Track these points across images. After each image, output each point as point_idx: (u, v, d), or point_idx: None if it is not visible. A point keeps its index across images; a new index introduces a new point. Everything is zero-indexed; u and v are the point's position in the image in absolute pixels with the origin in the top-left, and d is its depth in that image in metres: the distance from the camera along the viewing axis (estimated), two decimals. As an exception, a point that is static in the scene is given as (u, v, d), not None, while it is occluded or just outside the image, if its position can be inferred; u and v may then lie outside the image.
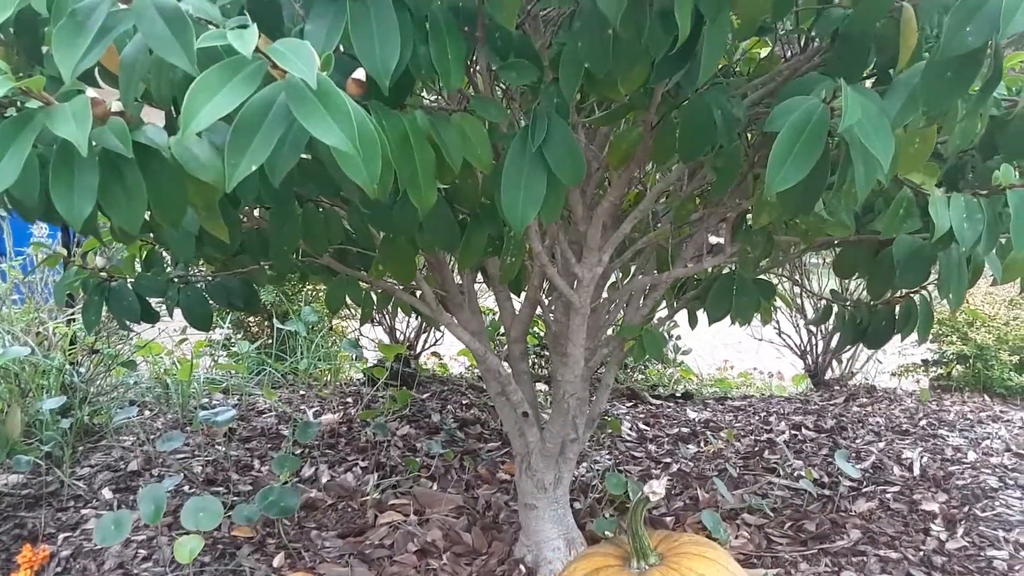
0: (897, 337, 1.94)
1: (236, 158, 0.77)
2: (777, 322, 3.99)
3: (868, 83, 1.43)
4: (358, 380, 3.72)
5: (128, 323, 1.85)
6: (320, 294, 3.89)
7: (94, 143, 0.88)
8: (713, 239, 1.88)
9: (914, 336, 1.91)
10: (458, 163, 1.07)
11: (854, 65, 1.21)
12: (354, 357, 3.53)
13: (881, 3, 1.10)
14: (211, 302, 1.85)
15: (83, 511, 2.18)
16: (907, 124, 1.06)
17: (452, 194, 1.36)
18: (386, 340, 3.75)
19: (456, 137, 1.06)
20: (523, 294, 1.96)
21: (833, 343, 4.03)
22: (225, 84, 0.74)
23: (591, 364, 1.92)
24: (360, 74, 0.88)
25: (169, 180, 0.95)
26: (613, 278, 2.11)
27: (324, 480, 2.40)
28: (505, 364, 2.00)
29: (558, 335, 1.91)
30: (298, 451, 2.61)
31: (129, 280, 1.80)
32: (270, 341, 3.72)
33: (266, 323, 3.85)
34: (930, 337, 3.30)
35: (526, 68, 1.12)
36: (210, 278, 1.86)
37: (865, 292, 1.87)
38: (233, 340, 3.82)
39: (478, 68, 1.32)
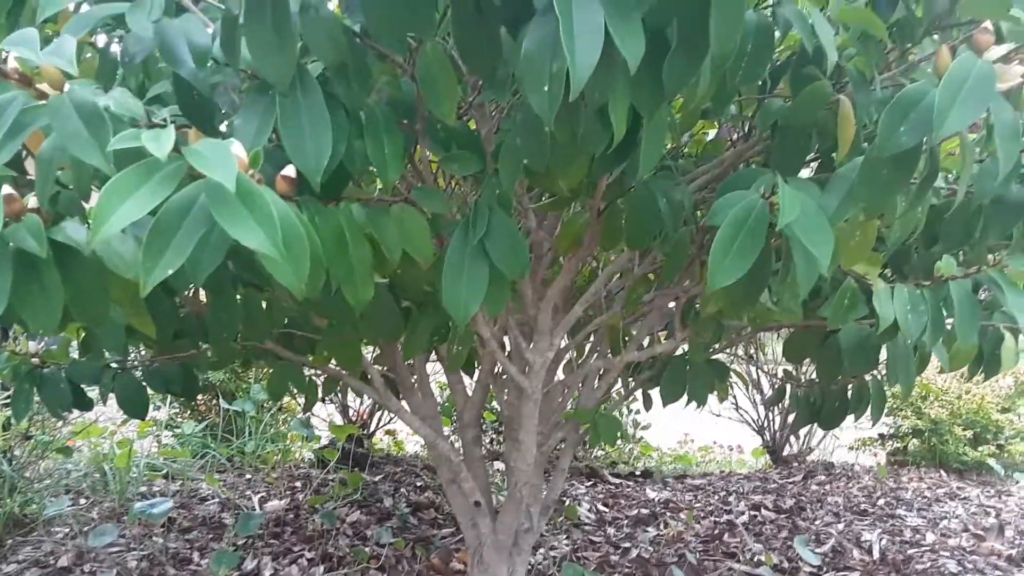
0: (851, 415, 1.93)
1: (152, 261, 0.73)
2: (734, 397, 3.98)
3: (813, 166, 1.45)
4: (308, 460, 3.60)
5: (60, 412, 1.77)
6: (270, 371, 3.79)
7: (10, 243, 0.84)
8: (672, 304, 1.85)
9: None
10: (397, 257, 1.04)
11: (794, 155, 1.22)
12: (305, 437, 3.42)
13: (818, 97, 1.12)
14: (148, 389, 1.77)
15: (5, 613, 2.04)
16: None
17: (395, 283, 1.33)
18: (338, 418, 3.64)
19: (394, 230, 1.04)
20: (476, 375, 1.91)
21: (790, 419, 4.01)
22: (140, 186, 0.70)
23: (544, 449, 1.87)
24: (290, 170, 0.85)
25: (89, 278, 0.90)
26: (567, 358, 2.08)
27: (267, 574, 2.28)
28: (459, 444, 1.94)
29: (510, 420, 1.86)
30: (241, 541, 2.49)
31: (62, 366, 1.72)
32: (218, 420, 3.59)
33: (214, 401, 3.73)
34: (885, 410, 3.30)
35: (468, 160, 1.10)
36: (148, 363, 1.79)
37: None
38: (178, 420, 3.69)
39: (420, 157, 1.31)
